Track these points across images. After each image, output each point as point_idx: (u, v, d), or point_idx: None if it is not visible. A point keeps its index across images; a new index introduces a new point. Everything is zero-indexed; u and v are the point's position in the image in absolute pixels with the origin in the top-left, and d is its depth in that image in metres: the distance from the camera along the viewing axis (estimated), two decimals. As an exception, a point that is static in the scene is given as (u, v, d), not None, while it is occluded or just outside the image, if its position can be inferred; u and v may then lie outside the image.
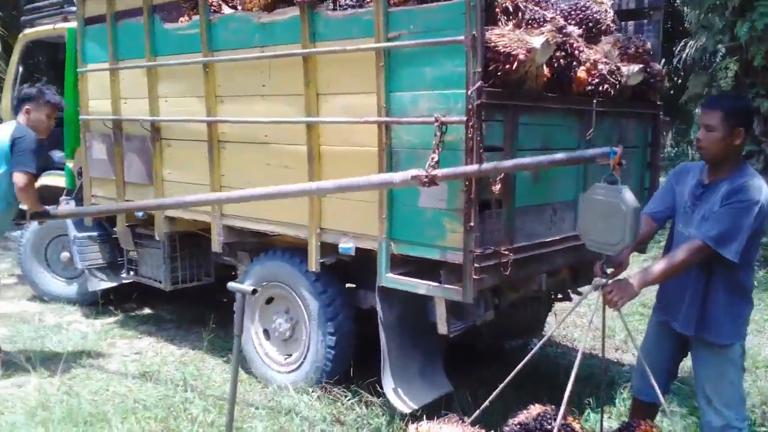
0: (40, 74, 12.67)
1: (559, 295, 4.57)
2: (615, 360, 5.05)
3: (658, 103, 4.44)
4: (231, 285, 3.01)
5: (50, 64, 11.21)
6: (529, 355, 2.73)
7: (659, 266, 2.78)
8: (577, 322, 5.80)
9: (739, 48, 7.83)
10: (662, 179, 5.38)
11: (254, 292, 2.91)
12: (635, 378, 3.25)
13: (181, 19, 4.59)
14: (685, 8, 13.14)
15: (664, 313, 3.04)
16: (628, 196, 2.51)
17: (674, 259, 2.76)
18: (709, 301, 2.86)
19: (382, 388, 3.58)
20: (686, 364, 3.19)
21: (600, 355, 5.08)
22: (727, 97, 2.98)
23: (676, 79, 14.81)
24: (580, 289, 4.63)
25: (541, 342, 2.84)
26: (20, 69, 6.37)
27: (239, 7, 4.37)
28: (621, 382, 4.37)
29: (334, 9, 3.65)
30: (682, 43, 13.57)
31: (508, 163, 3.00)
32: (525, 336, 4.94)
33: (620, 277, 2.81)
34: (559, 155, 2.94)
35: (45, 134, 4.49)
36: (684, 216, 2.95)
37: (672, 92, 14.18)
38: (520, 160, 2.98)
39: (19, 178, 4.05)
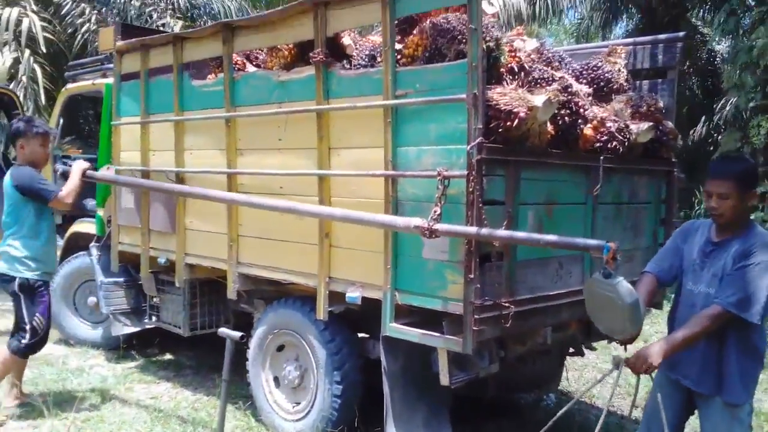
0: (88, 126, 13.32)
1: (571, 350, 4.53)
2: (634, 418, 4.94)
3: (673, 160, 4.47)
4: (221, 331, 3.09)
5: (97, 117, 11.76)
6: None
7: (680, 334, 2.80)
8: (598, 378, 5.70)
9: (770, 106, 7.83)
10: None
11: (242, 338, 2.99)
12: None
13: (209, 76, 4.85)
14: (727, 66, 13.19)
15: (675, 370, 3.02)
16: (624, 290, 2.56)
17: (695, 327, 2.78)
18: (724, 363, 2.86)
19: (385, 438, 3.59)
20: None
21: (619, 412, 5.01)
22: (733, 163, 3.01)
23: (716, 135, 14.69)
24: (594, 345, 4.60)
25: (566, 408, 2.98)
26: (62, 121, 6.72)
27: (262, 66, 4.62)
28: (636, 440, 4.28)
29: (349, 68, 3.84)
30: (723, 101, 13.53)
31: (504, 233, 3.09)
32: (537, 390, 4.88)
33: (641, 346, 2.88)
34: (552, 237, 3.02)
35: (44, 163, 4.66)
36: (693, 274, 2.97)
37: (711, 149, 14.08)
38: (515, 234, 3.13)
39: (56, 205, 4.49)
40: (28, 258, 4.38)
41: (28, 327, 4.35)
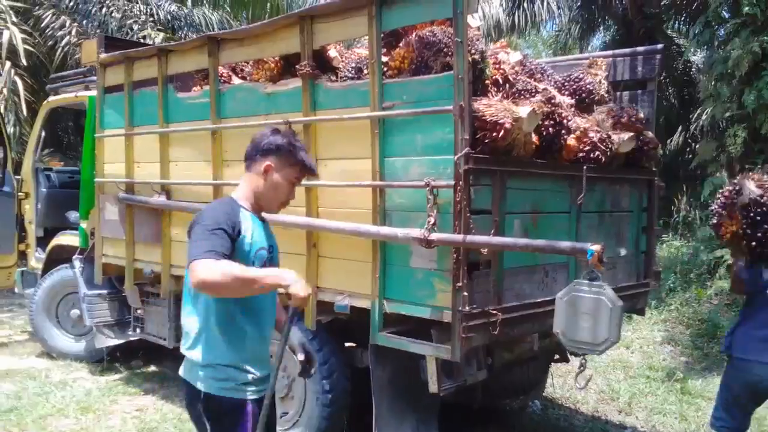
0: (67, 138, 13.21)
1: (556, 356, 4.58)
2: (618, 423, 5.00)
3: (653, 169, 4.56)
4: None
5: (78, 129, 11.71)
6: None
7: None
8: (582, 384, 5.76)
9: (747, 116, 7.97)
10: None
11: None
12: None
13: (194, 88, 4.86)
14: (703, 76, 13.43)
15: None
16: (611, 292, 2.58)
17: None
18: None
19: (374, 447, 3.60)
20: None
21: (603, 417, 5.07)
22: None
23: (693, 144, 14.94)
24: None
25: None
26: (43, 134, 6.68)
27: (248, 78, 4.64)
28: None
29: (335, 80, 3.88)
30: (699, 111, 13.77)
31: (495, 240, 3.18)
32: (523, 396, 4.93)
33: None
34: (540, 242, 3.20)
35: (275, 208, 2.57)
36: None
37: (689, 157, 14.31)
38: (505, 240, 3.23)
39: None
40: None
41: None
